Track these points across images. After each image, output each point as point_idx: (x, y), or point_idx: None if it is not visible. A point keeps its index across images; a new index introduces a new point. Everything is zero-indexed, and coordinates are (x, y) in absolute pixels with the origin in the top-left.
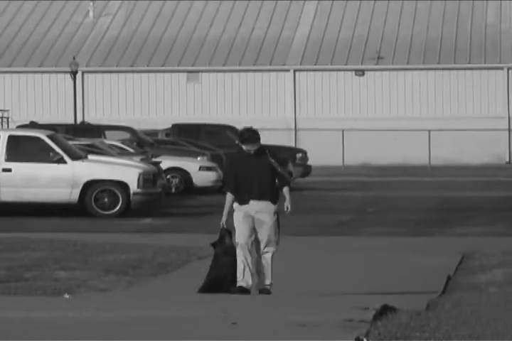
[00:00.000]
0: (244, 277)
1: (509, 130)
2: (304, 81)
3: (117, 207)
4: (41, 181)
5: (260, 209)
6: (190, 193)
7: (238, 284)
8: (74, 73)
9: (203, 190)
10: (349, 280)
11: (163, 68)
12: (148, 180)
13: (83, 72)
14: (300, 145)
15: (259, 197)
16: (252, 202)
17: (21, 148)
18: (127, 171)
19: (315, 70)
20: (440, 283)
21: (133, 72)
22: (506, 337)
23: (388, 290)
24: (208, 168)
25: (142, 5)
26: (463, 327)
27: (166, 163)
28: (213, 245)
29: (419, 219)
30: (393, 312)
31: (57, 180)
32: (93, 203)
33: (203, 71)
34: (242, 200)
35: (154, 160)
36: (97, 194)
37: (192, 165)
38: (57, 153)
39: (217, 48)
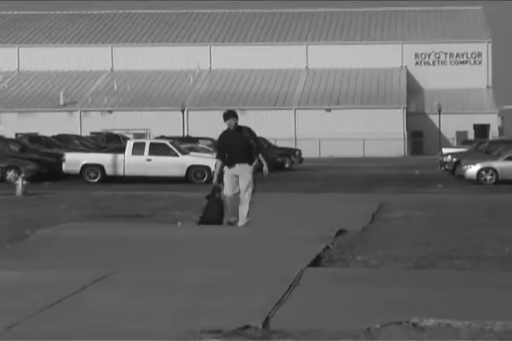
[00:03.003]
0: (230, 216)
1: None
2: None
3: (204, 179)
4: (167, 165)
5: (241, 169)
6: None
7: (226, 220)
8: (183, 111)
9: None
10: (320, 218)
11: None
12: None
13: (188, 110)
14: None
15: (240, 161)
16: (236, 165)
17: (156, 149)
18: (209, 160)
19: None
20: (368, 218)
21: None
22: (408, 243)
23: (342, 222)
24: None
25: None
26: (379, 238)
27: None
28: (207, 197)
29: (359, 184)
30: (345, 233)
31: (174, 165)
32: (192, 177)
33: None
34: (230, 164)
35: None
36: (194, 172)
37: None
38: (174, 151)
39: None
